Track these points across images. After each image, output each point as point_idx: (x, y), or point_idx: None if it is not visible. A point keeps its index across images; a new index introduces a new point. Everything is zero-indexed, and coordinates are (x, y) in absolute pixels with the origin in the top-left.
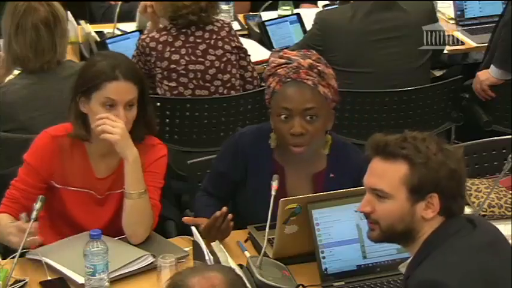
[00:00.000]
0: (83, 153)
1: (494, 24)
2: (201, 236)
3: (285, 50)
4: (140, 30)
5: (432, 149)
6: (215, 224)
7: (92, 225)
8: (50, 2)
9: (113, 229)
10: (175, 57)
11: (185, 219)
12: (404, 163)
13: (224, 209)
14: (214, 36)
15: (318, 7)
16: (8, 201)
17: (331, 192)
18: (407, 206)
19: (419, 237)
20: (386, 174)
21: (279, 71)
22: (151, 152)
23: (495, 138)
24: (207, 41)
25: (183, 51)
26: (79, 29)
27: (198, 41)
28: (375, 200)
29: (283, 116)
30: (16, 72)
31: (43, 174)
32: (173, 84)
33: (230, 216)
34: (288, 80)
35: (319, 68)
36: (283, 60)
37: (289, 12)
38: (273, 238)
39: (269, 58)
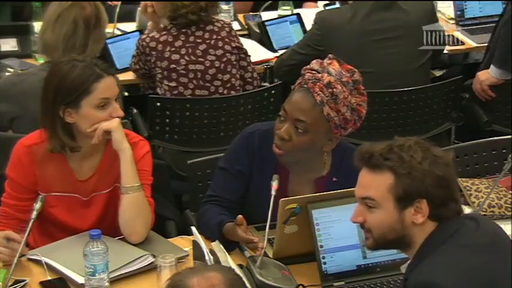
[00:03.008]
0: (62, 158)
1: (494, 24)
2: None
3: (334, 61)
4: (140, 30)
5: (417, 157)
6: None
7: (80, 226)
8: (98, 3)
9: (100, 229)
10: (175, 57)
11: (240, 217)
12: (390, 174)
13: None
14: (215, 37)
15: (318, 7)
16: (3, 218)
17: (331, 192)
18: (396, 214)
19: (415, 241)
20: (373, 184)
21: (307, 74)
22: (135, 149)
23: (495, 138)
24: (207, 41)
25: (183, 51)
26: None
27: (198, 41)
28: (366, 211)
29: (281, 115)
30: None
31: (28, 186)
32: (173, 84)
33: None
34: (305, 86)
35: (335, 89)
36: (316, 67)
37: (289, 12)
38: (273, 238)
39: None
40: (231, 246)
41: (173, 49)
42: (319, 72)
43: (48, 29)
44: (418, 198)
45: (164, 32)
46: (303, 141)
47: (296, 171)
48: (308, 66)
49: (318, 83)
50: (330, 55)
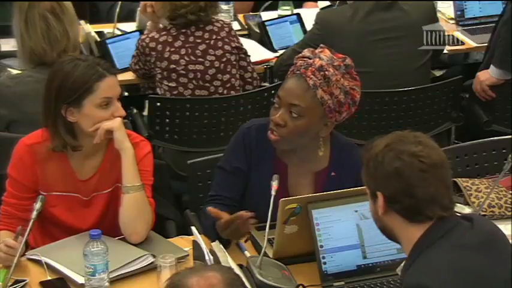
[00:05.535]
0: (63, 157)
1: (494, 24)
2: (217, 229)
3: (325, 49)
4: (140, 30)
5: (376, 149)
6: (234, 222)
7: (80, 226)
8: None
9: (101, 229)
10: (175, 57)
11: (210, 209)
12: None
13: (251, 214)
14: (214, 37)
15: (318, 7)
16: (4, 217)
17: (331, 192)
18: (372, 204)
19: (404, 240)
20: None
21: (298, 62)
22: (136, 149)
23: (495, 138)
24: (207, 41)
25: (182, 51)
26: (79, 29)
27: (198, 41)
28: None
29: (275, 103)
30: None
31: (29, 185)
32: (173, 84)
33: (252, 219)
34: (297, 72)
35: (327, 72)
36: (307, 54)
37: (289, 12)
38: (273, 238)
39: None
40: (227, 243)
41: (173, 49)
42: (310, 59)
43: (24, 38)
44: (376, 191)
45: (164, 32)
46: (298, 126)
47: (294, 162)
48: (300, 54)
49: (310, 68)
50: (321, 44)
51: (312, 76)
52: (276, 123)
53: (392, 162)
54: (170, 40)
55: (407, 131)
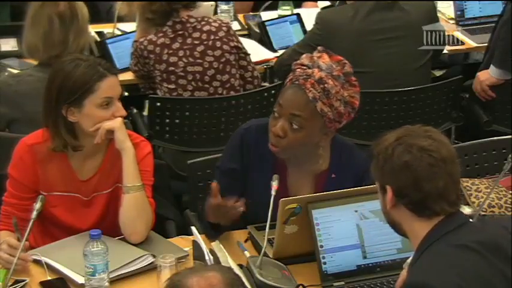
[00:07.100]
0: (63, 157)
1: (494, 24)
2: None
3: (323, 54)
4: None
5: (386, 143)
6: (221, 208)
7: (80, 226)
8: (75, 1)
9: (101, 229)
10: (173, 59)
11: (213, 184)
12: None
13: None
14: (212, 37)
15: (318, 7)
16: (4, 217)
17: (331, 192)
18: (381, 198)
19: (412, 235)
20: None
21: (297, 70)
22: (137, 150)
23: (495, 138)
24: (205, 42)
25: (181, 53)
26: (88, 41)
27: (196, 42)
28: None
29: (275, 112)
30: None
31: (29, 184)
32: (172, 86)
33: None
34: (296, 82)
35: (326, 85)
36: (306, 62)
37: (289, 12)
38: (273, 238)
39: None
40: (217, 232)
41: (171, 51)
42: (309, 68)
43: (28, 31)
44: (385, 184)
45: (161, 35)
46: (299, 138)
47: (294, 165)
48: (298, 61)
49: (309, 79)
50: (319, 47)
51: (311, 89)
52: (277, 134)
53: (402, 155)
54: (168, 42)
55: (418, 126)
